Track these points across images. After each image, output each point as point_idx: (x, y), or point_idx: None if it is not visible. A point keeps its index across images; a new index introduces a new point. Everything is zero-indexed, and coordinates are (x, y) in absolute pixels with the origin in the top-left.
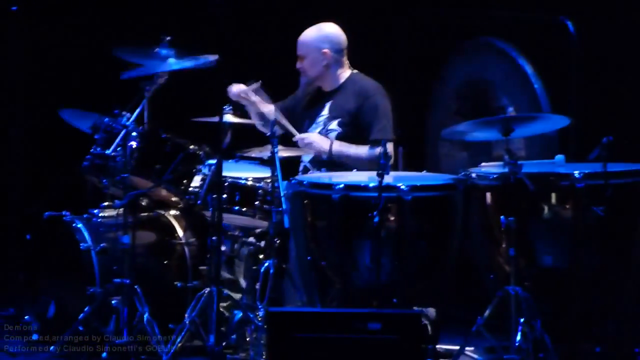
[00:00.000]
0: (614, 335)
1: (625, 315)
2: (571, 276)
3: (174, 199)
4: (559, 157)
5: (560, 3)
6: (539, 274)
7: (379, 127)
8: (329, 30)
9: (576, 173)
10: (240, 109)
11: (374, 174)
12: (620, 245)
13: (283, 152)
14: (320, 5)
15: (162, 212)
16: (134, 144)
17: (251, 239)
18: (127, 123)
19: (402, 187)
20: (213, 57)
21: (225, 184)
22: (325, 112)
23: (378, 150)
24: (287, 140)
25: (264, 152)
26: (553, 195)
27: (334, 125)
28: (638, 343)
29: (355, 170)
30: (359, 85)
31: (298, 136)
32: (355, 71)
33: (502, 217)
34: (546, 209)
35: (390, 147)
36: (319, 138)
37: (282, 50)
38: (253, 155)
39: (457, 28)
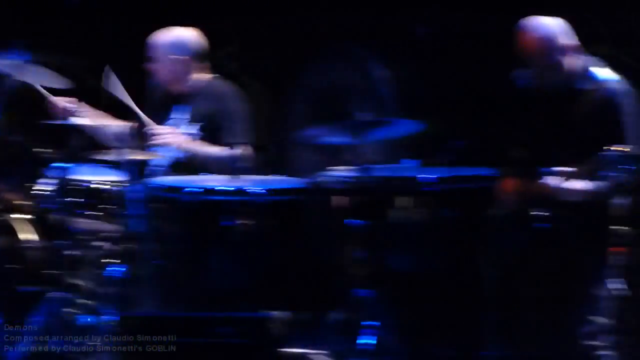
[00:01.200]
0: (461, 338)
1: (473, 318)
2: (420, 279)
3: (18, 202)
4: (410, 161)
5: (415, 6)
6: (389, 276)
7: (235, 130)
8: (184, 35)
9: (427, 177)
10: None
11: (228, 177)
12: (469, 249)
13: (135, 155)
14: (172, 8)
15: (6, 215)
16: None
17: (99, 243)
18: None
19: (256, 190)
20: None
21: (73, 187)
22: (178, 115)
23: (235, 152)
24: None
25: (116, 155)
26: (404, 198)
27: (194, 129)
28: (485, 346)
29: (209, 173)
30: (217, 90)
31: (156, 130)
32: (215, 75)
33: (352, 220)
34: (396, 212)
35: (247, 150)
36: (177, 137)
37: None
38: (105, 158)
39: (313, 33)
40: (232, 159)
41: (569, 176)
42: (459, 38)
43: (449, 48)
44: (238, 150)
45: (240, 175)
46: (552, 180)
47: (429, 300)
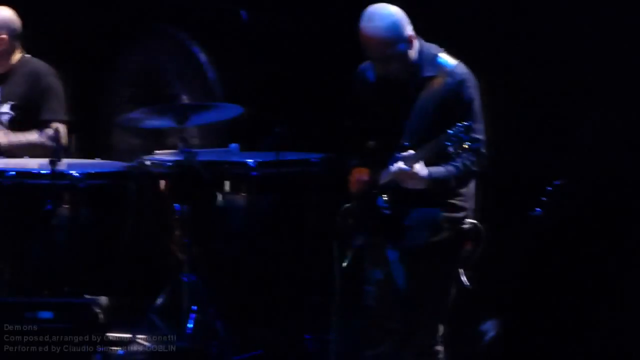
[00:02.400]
0: (285, 321)
1: (297, 300)
2: (243, 263)
3: None
4: (233, 146)
5: None
6: (213, 261)
7: (49, 107)
8: (5, 15)
9: (250, 161)
10: None
11: (46, 160)
12: (291, 231)
13: None
14: None
15: None
16: None
17: None
18: None
19: (76, 174)
20: None
21: None
22: None
23: (48, 132)
24: None
25: None
26: (227, 183)
27: (5, 108)
28: (307, 329)
29: (27, 156)
30: (29, 67)
31: None
32: (27, 55)
33: (176, 204)
34: (220, 196)
35: (62, 129)
36: None
37: None
38: None
39: (132, 14)
40: (48, 138)
41: (411, 162)
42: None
43: (280, 34)
44: (53, 129)
45: (60, 159)
46: (395, 167)
47: (252, 284)
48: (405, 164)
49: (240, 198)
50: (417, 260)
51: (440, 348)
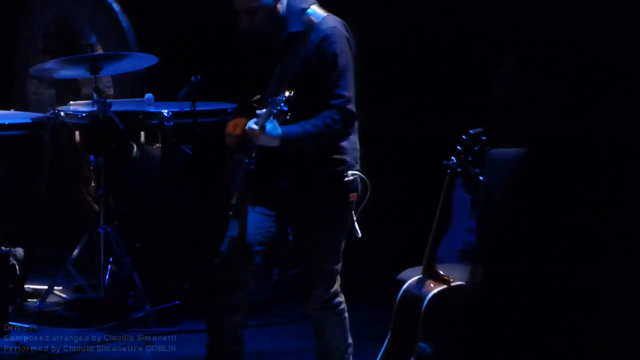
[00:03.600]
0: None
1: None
2: (160, 214)
3: None
4: (148, 96)
5: None
6: (129, 212)
7: None
8: None
9: (165, 112)
10: None
11: None
12: (206, 182)
13: None
14: None
15: None
16: None
17: None
18: None
19: None
20: None
21: None
22: None
23: None
24: None
25: None
26: (142, 133)
27: None
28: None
29: None
30: None
31: None
32: None
33: (91, 156)
34: (135, 147)
35: None
36: None
37: None
38: None
39: None
40: None
41: (262, 120)
42: None
43: None
44: None
45: None
46: (247, 126)
47: (168, 236)
48: (257, 123)
49: (156, 148)
50: (294, 215)
51: (341, 299)
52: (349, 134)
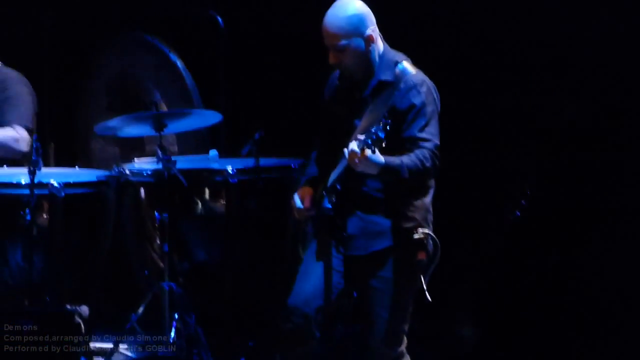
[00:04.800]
0: (267, 329)
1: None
2: (224, 271)
3: None
4: (213, 153)
5: None
6: (193, 269)
7: (14, 112)
8: None
9: (229, 168)
10: None
11: (24, 170)
12: (272, 239)
13: None
14: None
15: None
16: None
17: None
18: None
19: (55, 183)
20: None
21: None
22: None
23: (10, 131)
24: None
25: None
26: (207, 190)
27: None
28: None
29: None
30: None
31: None
32: None
33: (156, 212)
34: (200, 204)
35: (24, 134)
36: None
37: None
38: None
39: (107, 22)
40: (11, 139)
41: (363, 146)
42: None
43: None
44: (16, 130)
45: (39, 168)
46: (348, 149)
47: (233, 292)
48: (358, 146)
49: (220, 205)
50: (361, 268)
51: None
52: (435, 176)
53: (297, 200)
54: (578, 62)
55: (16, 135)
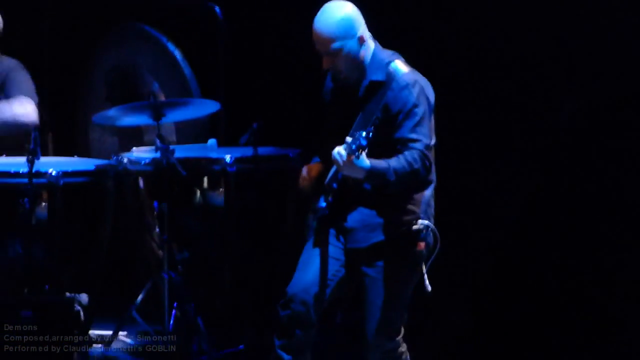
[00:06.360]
0: (265, 317)
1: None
2: (223, 260)
3: None
4: (212, 142)
5: None
6: (192, 258)
7: (18, 91)
8: None
9: (227, 157)
10: None
11: (23, 159)
12: (270, 229)
13: None
14: None
15: None
16: None
17: None
18: None
19: (53, 172)
20: None
21: None
22: None
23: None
24: None
25: None
26: (205, 179)
27: None
28: None
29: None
30: (3, 64)
31: None
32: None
33: (155, 202)
34: (199, 193)
35: (30, 106)
36: None
37: None
38: None
39: (104, 13)
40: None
41: (349, 150)
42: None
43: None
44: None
45: (38, 158)
46: (334, 153)
47: (232, 281)
48: (345, 150)
49: (219, 194)
50: (360, 259)
51: (403, 349)
52: (427, 179)
53: (304, 170)
54: (579, 59)
55: (23, 110)
